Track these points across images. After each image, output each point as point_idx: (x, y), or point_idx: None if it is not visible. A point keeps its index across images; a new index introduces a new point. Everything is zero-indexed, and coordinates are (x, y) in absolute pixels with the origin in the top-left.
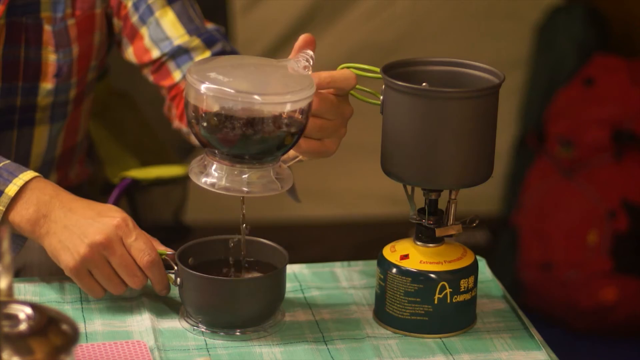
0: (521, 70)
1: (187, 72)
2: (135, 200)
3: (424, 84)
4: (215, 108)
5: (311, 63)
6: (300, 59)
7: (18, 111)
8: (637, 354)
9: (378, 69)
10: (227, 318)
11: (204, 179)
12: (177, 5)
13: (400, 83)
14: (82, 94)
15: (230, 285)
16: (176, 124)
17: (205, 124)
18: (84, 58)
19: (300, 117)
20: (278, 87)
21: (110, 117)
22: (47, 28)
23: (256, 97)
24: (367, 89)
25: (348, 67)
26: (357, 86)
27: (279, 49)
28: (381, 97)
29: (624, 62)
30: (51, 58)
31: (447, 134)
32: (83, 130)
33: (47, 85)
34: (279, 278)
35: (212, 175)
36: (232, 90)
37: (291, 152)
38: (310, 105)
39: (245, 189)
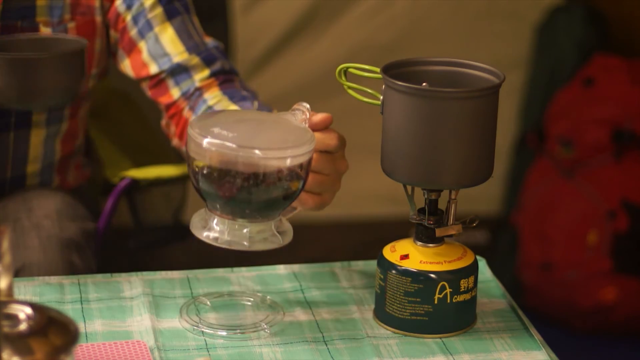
0: (521, 70)
1: (189, 125)
2: (135, 200)
3: (424, 84)
4: (217, 162)
5: (308, 116)
6: (297, 112)
7: (14, 113)
8: (637, 354)
9: (378, 69)
10: (20, 100)
11: (205, 233)
12: (176, 21)
13: (400, 83)
14: (80, 100)
15: (18, 63)
16: (175, 142)
17: (207, 179)
18: None
19: (300, 171)
20: (279, 142)
21: (110, 117)
22: (46, 30)
23: (257, 151)
24: (367, 89)
25: (348, 67)
26: (357, 86)
27: (279, 49)
28: (381, 97)
29: (624, 62)
30: None
31: (447, 134)
32: (81, 135)
33: None
34: (73, 59)
35: (214, 229)
36: (233, 145)
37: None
38: (310, 160)
39: (246, 243)
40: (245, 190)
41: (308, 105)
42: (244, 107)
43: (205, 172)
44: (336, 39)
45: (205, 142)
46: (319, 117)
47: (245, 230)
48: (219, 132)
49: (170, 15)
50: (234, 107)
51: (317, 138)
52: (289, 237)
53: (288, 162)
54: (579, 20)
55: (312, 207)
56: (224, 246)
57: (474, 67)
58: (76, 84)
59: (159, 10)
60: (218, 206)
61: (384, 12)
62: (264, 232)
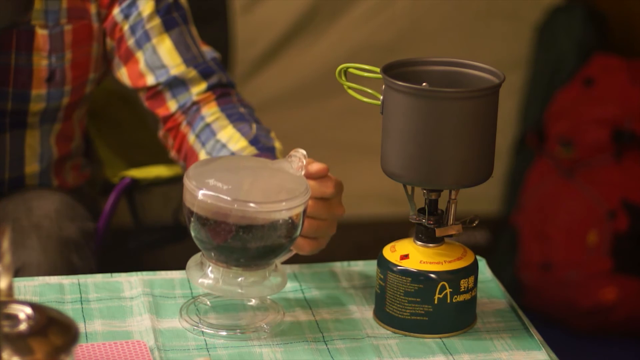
0: (521, 70)
1: (185, 176)
2: (134, 200)
3: (424, 84)
4: (212, 214)
5: (304, 162)
6: (293, 159)
7: (9, 115)
8: (637, 354)
9: (378, 69)
10: None
11: (200, 280)
12: (174, 32)
13: (400, 83)
14: (75, 103)
15: None
16: (173, 154)
17: (202, 229)
18: (79, 67)
19: (296, 221)
20: (274, 193)
21: (110, 117)
22: (43, 32)
23: (252, 205)
24: (367, 89)
25: (348, 67)
26: (357, 86)
27: (279, 49)
28: (381, 97)
29: (624, 62)
30: (43, 63)
31: (447, 134)
32: (79, 137)
33: (39, 91)
34: None
35: (209, 277)
36: (228, 198)
37: None
38: (306, 209)
39: (240, 290)
40: (240, 241)
41: (304, 152)
42: (242, 130)
43: (200, 222)
44: (336, 39)
45: (201, 194)
46: (316, 167)
47: (240, 279)
48: (214, 184)
49: (168, 26)
50: (231, 128)
51: (313, 186)
52: (283, 283)
53: (283, 214)
54: (579, 20)
55: (308, 252)
56: (218, 293)
57: (474, 67)
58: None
59: (157, 21)
60: (213, 254)
61: (384, 12)
62: (259, 280)
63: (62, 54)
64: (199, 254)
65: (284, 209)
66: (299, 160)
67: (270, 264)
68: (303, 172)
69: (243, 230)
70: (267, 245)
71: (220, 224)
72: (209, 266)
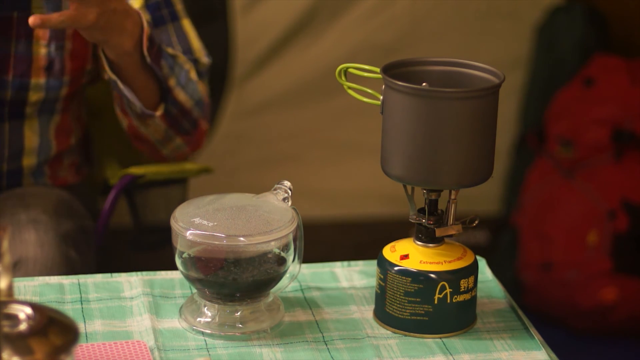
0: (521, 70)
1: (172, 218)
2: (134, 200)
3: (424, 84)
4: (202, 252)
5: (290, 194)
6: (278, 191)
7: (8, 105)
8: (637, 354)
9: (378, 69)
10: None
11: (198, 319)
12: (158, 31)
13: (400, 83)
14: (72, 95)
15: None
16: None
17: (194, 268)
18: (78, 58)
19: (286, 254)
20: (261, 226)
21: (110, 116)
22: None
23: (241, 239)
24: (367, 89)
25: (348, 67)
26: (357, 86)
27: (279, 49)
28: (381, 97)
29: (624, 62)
30: (42, 52)
31: (447, 134)
32: (77, 132)
33: (38, 80)
34: None
35: (205, 315)
36: (216, 234)
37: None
38: (294, 238)
39: (239, 325)
40: (232, 275)
41: (289, 184)
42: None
43: (191, 262)
44: (336, 39)
45: (189, 234)
46: None
47: (237, 314)
48: (201, 222)
49: (155, 24)
50: None
51: None
52: (281, 314)
53: (272, 245)
54: (579, 20)
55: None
56: (216, 332)
57: (474, 67)
58: None
59: (146, 17)
60: (207, 292)
61: (384, 12)
62: (256, 312)
63: (61, 43)
64: (191, 296)
65: (272, 240)
66: (284, 192)
67: (265, 296)
68: (290, 204)
69: (234, 265)
70: (259, 279)
71: (211, 262)
72: (205, 304)
